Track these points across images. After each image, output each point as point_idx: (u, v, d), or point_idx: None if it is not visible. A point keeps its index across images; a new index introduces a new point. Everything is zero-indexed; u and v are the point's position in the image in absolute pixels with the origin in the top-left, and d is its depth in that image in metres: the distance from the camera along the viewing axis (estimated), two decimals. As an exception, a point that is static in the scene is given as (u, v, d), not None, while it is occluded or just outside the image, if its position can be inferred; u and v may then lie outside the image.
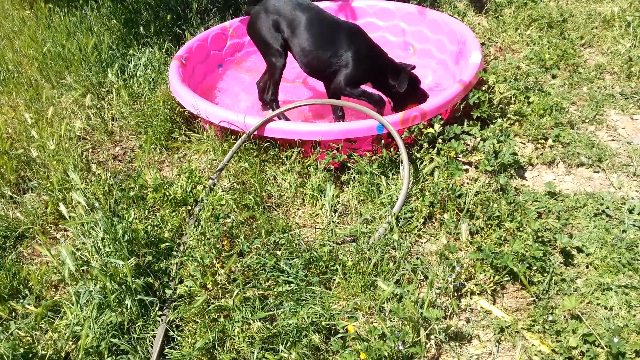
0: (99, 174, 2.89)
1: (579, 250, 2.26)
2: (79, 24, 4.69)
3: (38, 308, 2.10)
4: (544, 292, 2.08)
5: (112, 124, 3.49)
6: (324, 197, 2.53)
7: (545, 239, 2.25)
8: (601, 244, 2.26)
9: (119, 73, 3.89)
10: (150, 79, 3.78)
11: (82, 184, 2.69)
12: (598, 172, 2.77)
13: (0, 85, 4.04)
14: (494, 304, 2.08)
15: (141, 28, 4.42)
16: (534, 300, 2.06)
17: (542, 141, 2.96)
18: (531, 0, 4.49)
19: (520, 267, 2.06)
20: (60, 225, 2.68)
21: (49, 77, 4.02)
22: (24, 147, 3.18)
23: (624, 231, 2.31)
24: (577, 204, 2.51)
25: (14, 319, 2.11)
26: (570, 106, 3.27)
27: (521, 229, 2.28)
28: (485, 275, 2.15)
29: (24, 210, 2.74)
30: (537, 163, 2.85)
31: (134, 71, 3.92)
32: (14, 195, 2.88)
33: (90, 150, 3.29)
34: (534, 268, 2.12)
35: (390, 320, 1.94)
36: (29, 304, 2.16)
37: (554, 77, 3.56)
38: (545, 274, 2.11)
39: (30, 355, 1.89)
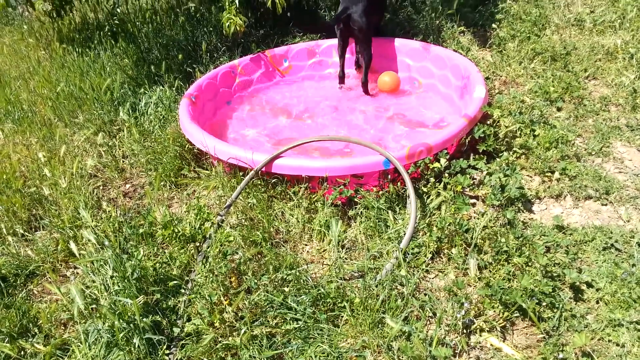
0: (109, 211, 2.93)
1: (589, 285, 2.24)
2: (92, 63, 4.82)
3: (47, 347, 2.11)
4: (554, 328, 2.05)
5: (123, 162, 3.55)
6: (331, 232, 2.55)
7: (554, 274, 2.24)
8: (611, 278, 2.24)
9: (130, 111, 3.98)
10: (161, 117, 3.86)
11: (92, 221, 2.72)
12: (606, 205, 2.76)
13: (14, 124, 4.14)
14: (504, 341, 2.06)
15: (152, 67, 4.54)
16: (544, 337, 2.04)
17: (549, 174, 2.96)
18: (534, 34, 4.56)
19: (530, 303, 2.04)
20: (70, 263, 2.71)
21: (62, 116, 4.11)
22: (36, 185, 3.24)
23: (633, 265, 2.29)
24: (586, 237, 2.49)
25: (23, 358, 2.12)
26: (576, 139, 3.28)
27: (530, 264, 2.27)
28: (494, 311, 2.14)
29: (35, 247, 2.77)
30: (545, 196, 2.85)
31: (145, 109, 4.00)
32: (26, 233, 2.92)
33: (101, 187, 3.34)
34: (544, 304, 2.10)
35: (399, 359, 1.93)
36: (37, 343, 2.17)
37: (559, 109, 3.59)
38: (555, 310, 2.09)
39: (38, 396, 1.90)
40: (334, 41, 4.54)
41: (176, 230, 2.59)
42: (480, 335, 2.08)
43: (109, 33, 5.47)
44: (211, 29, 5.06)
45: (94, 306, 2.24)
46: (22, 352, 2.16)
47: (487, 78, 4.06)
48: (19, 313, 2.32)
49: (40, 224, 2.99)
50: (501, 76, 4.12)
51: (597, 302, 2.17)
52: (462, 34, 4.72)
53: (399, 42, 4.37)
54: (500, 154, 3.01)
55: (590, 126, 3.40)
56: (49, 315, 2.31)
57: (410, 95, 4.19)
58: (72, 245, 2.49)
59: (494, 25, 4.76)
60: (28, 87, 4.81)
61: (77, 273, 2.64)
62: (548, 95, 3.68)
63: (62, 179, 3.15)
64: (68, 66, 4.91)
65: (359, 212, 2.71)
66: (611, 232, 2.50)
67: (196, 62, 4.65)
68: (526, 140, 3.12)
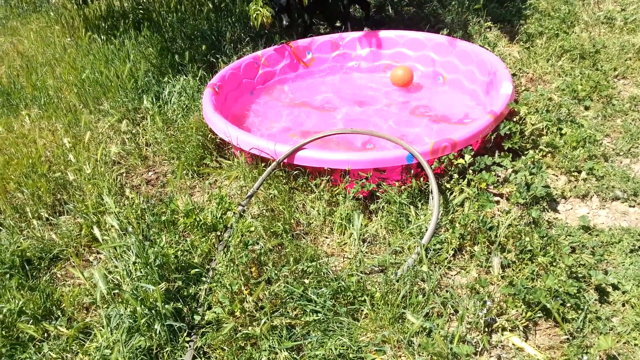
0: (132, 198, 2.95)
1: (615, 287, 2.19)
2: (117, 51, 4.86)
3: (70, 330, 2.15)
4: (579, 330, 2.02)
5: (146, 149, 3.58)
6: (352, 226, 2.53)
7: (580, 275, 2.20)
8: (638, 281, 2.19)
9: (154, 100, 4.00)
10: (184, 106, 3.88)
11: (115, 207, 2.75)
12: (634, 206, 2.70)
13: (41, 110, 4.20)
14: (526, 341, 2.03)
15: (176, 56, 4.55)
16: (567, 339, 2.01)
17: (575, 174, 2.91)
18: (563, 31, 4.48)
19: (554, 304, 2.01)
20: (93, 248, 2.74)
21: (87, 102, 4.16)
22: (61, 171, 3.28)
23: (662, 269, 2.24)
24: (612, 239, 2.45)
25: (47, 340, 2.16)
26: (604, 138, 3.22)
27: (554, 264, 2.23)
28: (517, 310, 2.11)
29: (59, 232, 2.81)
30: (570, 196, 2.80)
31: (169, 98, 4.02)
32: (50, 217, 2.96)
33: (124, 174, 3.37)
34: (568, 305, 2.07)
35: (419, 355, 1.91)
36: (61, 326, 2.20)
37: (586, 108, 3.52)
38: (580, 312, 2.06)
39: (61, 377, 1.92)
40: (358, 34, 4.52)
41: (198, 219, 2.60)
42: (502, 335, 2.05)
43: (134, 22, 5.51)
44: (235, 19, 5.06)
45: (116, 291, 2.26)
46: (46, 334, 2.20)
47: (513, 74, 4.00)
48: (43, 296, 2.36)
49: (64, 208, 3.02)
50: (528, 73, 4.05)
51: (623, 305, 2.13)
52: (488, 30, 4.65)
53: (423, 35, 4.33)
54: (526, 152, 2.96)
55: (619, 126, 3.33)
56: (72, 299, 2.35)
57: (430, 89, 4.15)
58: (96, 231, 2.52)
59: (521, 22, 4.68)
60: (54, 73, 4.86)
61: (100, 258, 2.67)
62: (576, 93, 3.60)
63: (87, 165, 3.19)
64: (93, 53, 4.96)
65: (381, 207, 2.69)
66: (639, 234, 2.45)
67: (220, 53, 4.65)
68: (553, 139, 3.07)
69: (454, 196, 2.70)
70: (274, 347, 1.96)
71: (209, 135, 3.44)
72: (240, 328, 2.07)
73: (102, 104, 4.12)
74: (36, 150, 3.52)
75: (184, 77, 4.27)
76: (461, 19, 4.81)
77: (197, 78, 4.25)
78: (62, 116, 4.02)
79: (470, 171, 2.76)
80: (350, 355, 1.92)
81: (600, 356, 1.91)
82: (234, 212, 2.69)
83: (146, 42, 4.95)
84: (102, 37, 5.25)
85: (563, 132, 3.11)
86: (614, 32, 4.51)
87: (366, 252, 2.51)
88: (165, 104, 3.99)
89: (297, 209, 2.79)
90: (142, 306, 2.04)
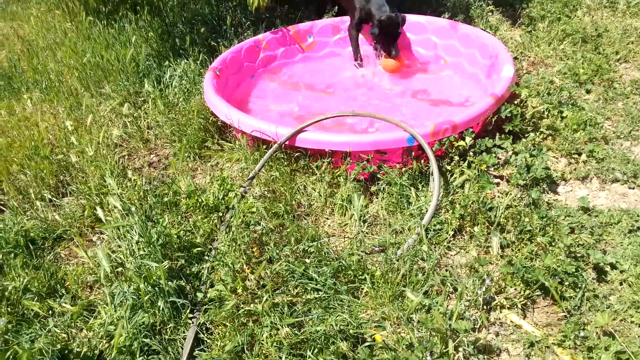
0: (134, 180, 2.97)
1: (613, 266, 2.21)
2: (118, 35, 4.85)
3: (74, 307, 2.18)
4: (576, 307, 2.04)
5: (148, 132, 3.59)
6: (353, 207, 2.55)
7: (578, 255, 2.22)
8: (636, 260, 2.21)
9: (155, 83, 4.00)
10: (185, 90, 3.88)
11: (118, 189, 2.77)
12: (633, 188, 2.72)
13: (42, 93, 4.20)
14: (524, 318, 2.06)
15: (177, 40, 4.54)
16: (565, 316, 2.03)
17: (576, 156, 2.92)
18: (565, 15, 4.46)
19: (552, 282, 2.03)
20: (96, 228, 2.77)
21: (89, 86, 4.16)
22: (63, 153, 3.30)
23: (660, 248, 2.26)
24: (611, 220, 2.46)
25: (52, 317, 2.19)
26: (604, 121, 3.22)
27: (553, 244, 2.25)
28: (515, 289, 2.13)
29: (62, 213, 2.83)
30: (570, 178, 2.81)
31: (170, 82, 4.02)
32: (54, 199, 2.98)
33: (126, 157, 3.39)
34: (566, 283, 2.09)
35: (419, 331, 1.94)
36: (65, 303, 2.23)
37: (588, 92, 3.52)
38: (578, 290, 2.08)
39: (66, 352, 1.95)
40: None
41: (200, 200, 2.62)
42: (501, 312, 2.08)
43: (135, 6, 5.48)
44: (235, 3, 5.04)
45: (119, 270, 2.29)
46: (51, 311, 2.23)
47: (515, 58, 3.99)
48: (47, 274, 2.39)
49: (67, 190, 3.05)
50: (529, 57, 4.05)
51: (621, 284, 2.15)
52: (490, 13, 4.63)
53: (425, 19, 4.31)
54: (526, 135, 2.97)
55: (620, 109, 3.34)
56: (76, 277, 2.37)
57: (431, 72, 4.14)
58: (99, 211, 2.53)
59: (523, 5, 4.66)
60: (55, 57, 4.85)
61: (103, 238, 2.70)
62: (577, 77, 3.60)
63: (89, 148, 3.20)
64: (94, 38, 4.95)
65: (382, 188, 2.71)
66: (638, 215, 2.46)
67: (220, 37, 4.64)
68: (553, 122, 3.08)
69: (455, 178, 2.71)
70: (275, 324, 1.99)
71: (211, 118, 3.45)
72: (242, 305, 2.09)
73: (104, 87, 4.13)
74: (38, 133, 3.53)
75: (185, 60, 4.26)
76: (463, 2, 4.78)
77: (198, 62, 4.24)
78: (63, 99, 4.02)
79: (471, 153, 2.77)
80: (351, 331, 1.95)
81: (597, 333, 1.93)
82: (235, 194, 2.71)
83: (147, 27, 4.94)
84: (103, 21, 5.23)
85: (564, 115, 3.12)
86: (616, 15, 4.49)
87: (367, 232, 2.53)
88: (166, 87, 3.99)
89: (298, 191, 2.81)
90: (146, 283, 2.07)
